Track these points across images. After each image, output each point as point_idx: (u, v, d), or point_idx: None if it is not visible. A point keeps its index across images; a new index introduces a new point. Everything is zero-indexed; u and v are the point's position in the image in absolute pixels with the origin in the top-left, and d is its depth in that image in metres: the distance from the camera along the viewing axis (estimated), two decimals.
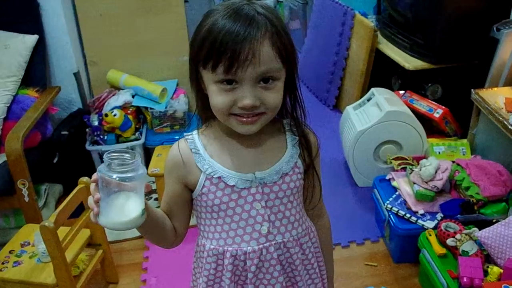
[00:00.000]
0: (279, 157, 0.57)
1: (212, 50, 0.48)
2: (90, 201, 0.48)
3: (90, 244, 1.12)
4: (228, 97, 0.50)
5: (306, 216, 0.62)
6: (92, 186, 0.48)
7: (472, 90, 1.32)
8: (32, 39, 1.46)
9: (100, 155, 1.62)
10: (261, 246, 0.56)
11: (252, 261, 0.56)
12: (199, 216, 0.59)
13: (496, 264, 1.00)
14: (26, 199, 1.23)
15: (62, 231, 0.97)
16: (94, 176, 0.48)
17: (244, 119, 0.51)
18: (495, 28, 1.38)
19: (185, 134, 0.58)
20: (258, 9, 0.49)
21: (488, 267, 0.99)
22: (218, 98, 0.51)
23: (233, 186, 0.55)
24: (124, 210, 0.47)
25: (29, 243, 1.08)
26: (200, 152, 0.56)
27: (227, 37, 0.47)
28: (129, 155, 0.47)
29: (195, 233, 0.62)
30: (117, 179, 0.46)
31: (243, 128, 0.52)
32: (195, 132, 0.58)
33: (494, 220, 1.08)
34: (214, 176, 0.55)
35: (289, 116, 0.58)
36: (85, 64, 1.73)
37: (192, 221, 0.60)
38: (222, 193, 0.55)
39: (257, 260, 0.57)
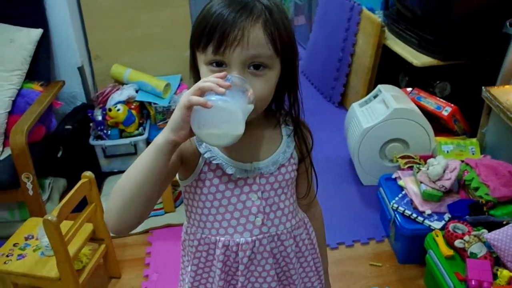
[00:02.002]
0: (275, 148, 0.57)
1: (203, 31, 0.48)
2: (208, 83, 0.44)
3: (93, 238, 1.12)
4: None
5: (298, 208, 0.62)
6: (212, 77, 0.46)
7: (483, 87, 1.29)
8: (36, 33, 1.45)
9: (104, 150, 1.62)
10: (254, 238, 0.56)
11: (245, 252, 0.56)
12: (191, 205, 0.57)
13: (506, 267, 0.98)
14: (30, 192, 1.24)
15: (65, 225, 0.97)
16: (217, 74, 0.46)
17: None
18: (508, 24, 1.34)
19: None
20: None
21: (497, 270, 0.96)
22: None
23: (231, 175, 0.54)
24: (243, 108, 0.45)
25: (33, 237, 1.08)
26: None
27: (219, 19, 0.47)
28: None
29: None
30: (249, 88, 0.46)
31: None
32: None
33: (504, 222, 1.05)
34: (212, 162, 0.54)
35: (284, 109, 0.57)
36: (89, 58, 1.72)
37: (180, 220, 0.58)
38: (219, 181, 0.54)
39: (250, 252, 0.56)
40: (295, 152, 0.58)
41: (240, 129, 0.45)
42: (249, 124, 0.50)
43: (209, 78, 0.46)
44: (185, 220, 0.60)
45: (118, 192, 0.49)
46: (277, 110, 0.57)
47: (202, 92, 0.45)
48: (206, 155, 0.54)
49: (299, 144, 0.58)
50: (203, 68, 0.51)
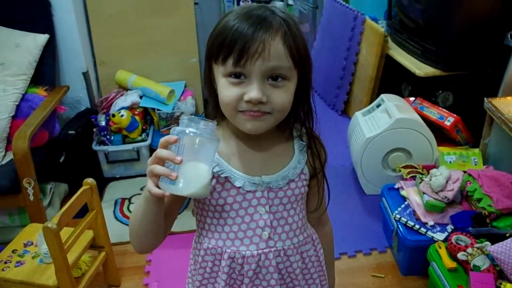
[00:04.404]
0: (286, 162, 0.57)
1: (223, 44, 0.49)
2: (158, 169, 0.46)
3: (93, 246, 1.11)
4: (236, 90, 0.50)
5: (307, 224, 0.61)
6: (164, 152, 0.47)
7: (485, 98, 1.29)
8: (42, 38, 1.47)
9: (106, 156, 1.62)
10: (260, 251, 0.55)
11: (250, 265, 0.56)
12: (200, 214, 0.58)
13: (509, 280, 0.96)
14: (31, 198, 1.23)
15: (65, 232, 0.96)
16: (167, 138, 0.47)
17: (252, 113, 0.50)
18: (509, 36, 1.35)
19: None
20: (276, 11, 0.51)
21: (501, 283, 0.95)
22: (226, 92, 0.51)
23: (239, 188, 0.54)
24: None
25: (32, 243, 1.07)
26: None
27: (238, 32, 0.48)
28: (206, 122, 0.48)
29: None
30: (205, 133, 0.47)
31: (250, 124, 0.51)
32: None
33: (507, 234, 1.04)
34: (221, 176, 0.54)
35: (298, 122, 0.57)
36: (94, 64, 1.74)
37: (190, 226, 0.59)
38: (227, 193, 0.54)
39: (255, 265, 0.56)
40: (306, 167, 0.57)
41: (204, 176, 0.48)
42: (260, 136, 0.52)
43: (161, 154, 0.47)
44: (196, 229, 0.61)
45: (132, 226, 0.55)
46: (293, 122, 0.58)
47: (157, 175, 0.47)
48: (214, 169, 0.54)
49: (312, 159, 0.57)
50: (221, 81, 0.51)
